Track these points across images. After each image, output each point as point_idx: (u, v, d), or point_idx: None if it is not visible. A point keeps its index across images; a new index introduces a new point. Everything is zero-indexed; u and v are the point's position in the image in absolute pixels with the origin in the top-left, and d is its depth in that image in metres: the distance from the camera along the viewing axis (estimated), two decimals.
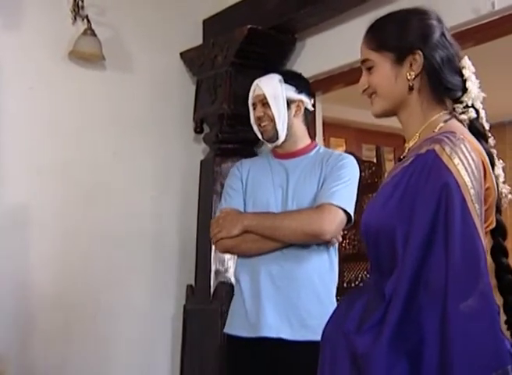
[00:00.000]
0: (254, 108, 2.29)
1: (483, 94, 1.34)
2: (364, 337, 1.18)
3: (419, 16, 1.36)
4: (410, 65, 1.33)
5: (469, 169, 1.18)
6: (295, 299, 2.11)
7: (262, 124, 2.26)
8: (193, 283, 3.10)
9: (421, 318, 1.13)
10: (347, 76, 2.92)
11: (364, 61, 1.41)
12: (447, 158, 1.17)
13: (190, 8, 3.27)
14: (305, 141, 2.31)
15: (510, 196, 1.36)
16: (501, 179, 1.34)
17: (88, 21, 2.85)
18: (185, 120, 3.24)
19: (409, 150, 1.34)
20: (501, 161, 1.36)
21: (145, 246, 3.10)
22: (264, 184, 2.26)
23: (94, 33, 2.85)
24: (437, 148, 1.19)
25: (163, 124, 3.19)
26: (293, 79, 2.30)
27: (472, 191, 1.16)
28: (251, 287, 2.18)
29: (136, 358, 3.01)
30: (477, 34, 2.35)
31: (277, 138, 2.25)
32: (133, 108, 3.10)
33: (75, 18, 2.88)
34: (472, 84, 1.31)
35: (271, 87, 2.27)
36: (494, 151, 1.34)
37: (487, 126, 1.36)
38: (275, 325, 2.09)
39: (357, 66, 2.76)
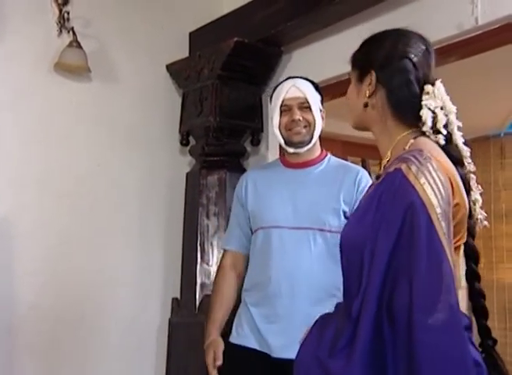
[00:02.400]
0: (286, 110, 2.20)
1: (445, 118, 1.33)
2: (337, 360, 1.18)
3: (388, 40, 1.39)
4: (369, 84, 1.38)
5: (435, 188, 1.18)
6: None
7: (296, 128, 2.18)
8: (178, 296, 3.08)
9: (386, 338, 1.13)
10: (333, 89, 2.93)
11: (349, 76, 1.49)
12: (413, 178, 1.18)
13: (177, 21, 3.28)
14: (319, 150, 2.29)
15: (485, 222, 1.36)
16: (478, 204, 1.35)
17: (74, 33, 2.84)
18: (171, 133, 3.23)
19: (384, 168, 1.35)
20: (479, 186, 1.36)
21: (130, 258, 3.08)
22: (273, 195, 2.21)
23: (79, 46, 2.83)
24: (404, 167, 1.20)
25: (149, 136, 3.18)
26: (318, 88, 2.28)
27: (438, 210, 1.17)
28: (262, 306, 2.16)
29: (121, 371, 2.98)
30: (461, 49, 2.38)
31: (307, 144, 2.20)
32: (119, 121, 3.09)
33: (60, 30, 2.86)
34: (427, 112, 1.31)
35: (311, 92, 2.23)
36: (472, 177, 1.35)
37: (465, 149, 1.35)
38: (288, 346, 2.01)
39: (344, 79, 2.80)
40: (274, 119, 2.23)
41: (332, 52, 2.84)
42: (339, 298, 2.10)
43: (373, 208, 1.22)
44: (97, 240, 2.97)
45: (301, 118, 2.18)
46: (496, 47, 2.37)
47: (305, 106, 2.20)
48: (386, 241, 1.16)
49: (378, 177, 1.36)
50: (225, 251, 2.39)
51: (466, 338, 1.13)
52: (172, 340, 3.04)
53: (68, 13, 2.87)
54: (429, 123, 1.31)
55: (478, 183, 1.36)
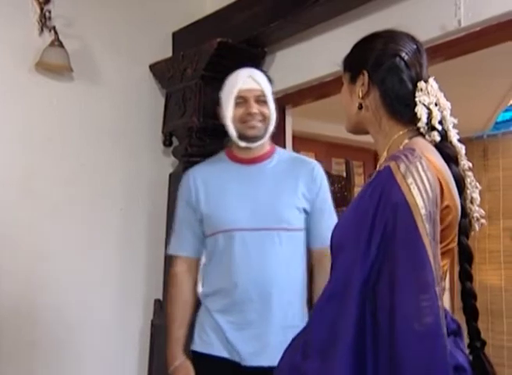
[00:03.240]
0: (241, 102, 2.09)
1: (440, 114, 1.32)
2: (312, 362, 1.16)
3: (378, 39, 1.39)
4: (362, 84, 1.37)
5: (422, 189, 1.17)
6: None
7: (252, 122, 2.07)
8: (161, 297, 3.05)
9: (368, 343, 1.12)
10: (317, 90, 2.93)
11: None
12: (400, 178, 1.17)
13: (160, 21, 3.25)
14: (269, 144, 2.19)
15: (482, 220, 1.35)
16: (476, 202, 1.34)
17: (55, 32, 2.80)
18: (154, 133, 3.20)
19: (379, 167, 1.34)
20: (478, 184, 1.35)
21: (112, 260, 3.05)
22: (229, 195, 2.10)
23: (61, 45, 2.80)
24: (392, 165, 1.19)
25: (132, 137, 3.16)
26: (270, 79, 2.20)
27: (423, 211, 1.15)
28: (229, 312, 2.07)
29: (103, 373, 2.95)
30: (444, 50, 2.38)
31: (261, 139, 2.11)
32: (102, 121, 3.06)
33: (42, 29, 2.82)
34: (422, 108, 1.31)
35: (267, 85, 2.14)
36: (469, 175, 1.34)
37: (460, 146, 1.34)
38: (257, 353, 1.99)
39: (327, 81, 2.81)
40: (227, 111, 2.10)
41: (316, 53, 2.84)
42: (305, 297, 2.10)
43: (362, 208, 1.21)
44: (78, 241, 2.94)
45: (257, 111, 2.08)
46: (479, 49, 2.37)
47: (262, 99, 2.10)
48: (370, 244, 1.15)
49: (370, 176, 1.35)
50: (176, 257, 2.23)
51: (446, 345, 1.11)
52: (155, 342, 3.01)
53: (49, 12, 2.84)
54: (424, 119, 1.30)
55: (476, 181, 1.35)
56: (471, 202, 1.34)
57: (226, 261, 2.07)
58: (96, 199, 3.02)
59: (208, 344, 2.09)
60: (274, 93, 3.03)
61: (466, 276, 1.30)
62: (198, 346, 2.12)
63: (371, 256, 1.14)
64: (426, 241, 1.13)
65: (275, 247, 2.05)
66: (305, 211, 2.12)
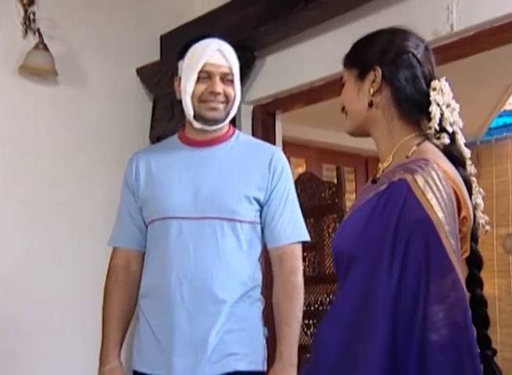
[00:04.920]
0: (204, 78, 1.83)
1: (451, 116, 1.29)
2: None
3: (388, 35, 1.35)
4: (373, 81, 1.31)
5: (442, 204, 1.13)
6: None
7: (213, 103, 1.83)
8: None
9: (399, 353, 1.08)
10: (307, 96, 2.89)
11: (341, 79, 1.41)
12: (420, 193, 1.12)
13: (148, 24, 3.21)
14: (227, 126, 1.95)
15: (487, 227, 1.32)
16: (480, 208, 1.30)
17: (40, 35, 2.75)
18: (141, 138, 3.15)
19: (383, 172, 1.30)
20: (481, 190, 1.31)
21: (97, 267, 2.97)
22: (171, 179, 1.87)
23: (46, 48, 2.75)
24: (409, 179, 1.14)
25: (119, 142, 3.10)
26: (239, 57, 1.94)
27: (447, 227, 1.11)
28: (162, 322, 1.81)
29: None
30: (436, 55, 2.32)
31: (221, 122, 1.88)
32: (88, 125, 3.01)
33: (26, 31, 2.77)
34: (436, 108, 1.27)
35: (236, 62, 1.88)
36: (474, 180, 1.30)
37: (467, 151, 1.31)
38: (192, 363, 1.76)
39: (318, 86, 2.76)
40: (188, 86, 1.83)
41: (306, 58, 2.80)
42: (256, 298, 1.86)
43: (376, 220, 1.16)
44: (62, 249, 2.87)
45: (221, 91, 1.83)
46: (472, 54, 2.35)
47: (228, 78, 1.85)
48: (393, 260, 1.10)
49: (375, 181, 1.30)
50: (114, 249, 1.99)
51: (478, 356, 1.09)
52: None
53: (34, 14, 2.79)
54: (437, 119, 1.26)
55: (479, 187, 1.32)
56: (475, 208, 1.30)
57: (161, 254, 1.84)
58: (81, 204, 2.96)
59: (145, 360, 1.85)
60: (264, 98, 3.05)
61: (476, 282, 1.26)
62: (137, 364, 1.89)
63: (395, 273, 1.10)
64: (453, 257, 1.10)
65: (217, 239, 1.80)
66: (258, 202, 1.87)
